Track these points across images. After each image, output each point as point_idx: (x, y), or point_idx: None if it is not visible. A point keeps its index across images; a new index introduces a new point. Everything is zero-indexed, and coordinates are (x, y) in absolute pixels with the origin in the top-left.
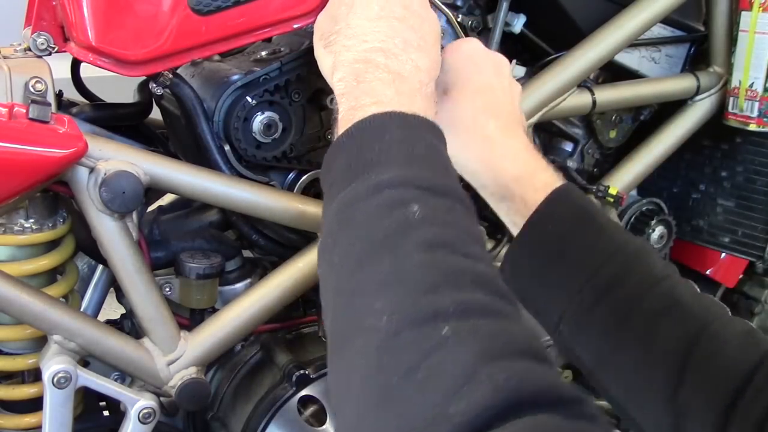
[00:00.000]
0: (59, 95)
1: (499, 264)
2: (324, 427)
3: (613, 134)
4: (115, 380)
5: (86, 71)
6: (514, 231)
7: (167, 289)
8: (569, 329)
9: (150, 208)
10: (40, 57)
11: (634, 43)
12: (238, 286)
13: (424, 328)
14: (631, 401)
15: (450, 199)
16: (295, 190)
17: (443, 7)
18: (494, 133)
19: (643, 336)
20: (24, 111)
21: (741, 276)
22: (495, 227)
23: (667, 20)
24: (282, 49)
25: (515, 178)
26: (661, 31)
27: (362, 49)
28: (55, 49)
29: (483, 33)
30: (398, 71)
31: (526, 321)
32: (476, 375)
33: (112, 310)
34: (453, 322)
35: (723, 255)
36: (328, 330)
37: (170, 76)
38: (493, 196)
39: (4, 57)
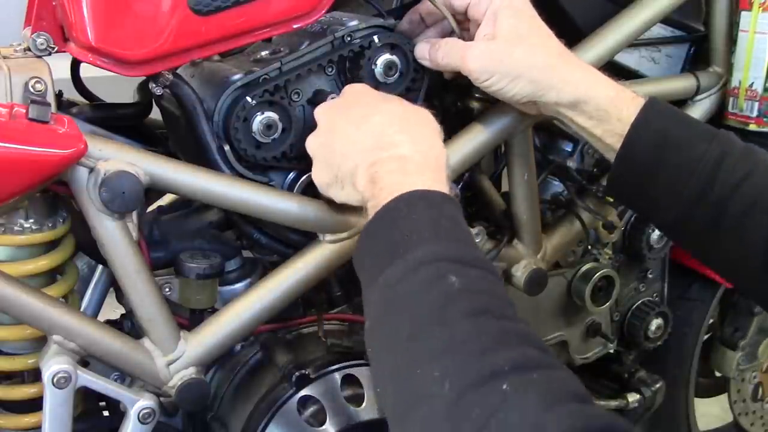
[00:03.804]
0: (59, 95)
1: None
2: (324, 427)
3: None
4: (115, 380)
5: (86, 71)
6: (607, 153)
7: (167, 289)
8: (673, 232)
9: (150, 208)
10: (39, 57)
11: (634, 43)
12: (238, 286)
13: (484, 388)
14: (730, 279)
15: (479, 269)
16: (295, 190)
17: (443, 8)
18: (579, 62)
19: (732, 235)
20: (24, 111)
21: None
22: (495, 227)
23: (667, 20)
24: (282, 49)
25: (611, 99)
26: (661, 31)
27: (365, 157)
28: (55, 49)
29: None
30: (401, 155)
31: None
32: (543, 423)
33: (112, 310)
34: (510, 378)
35: None
36: (387, 407)
37: (170, 76)
38: (591, 120)
39: (4, 57)
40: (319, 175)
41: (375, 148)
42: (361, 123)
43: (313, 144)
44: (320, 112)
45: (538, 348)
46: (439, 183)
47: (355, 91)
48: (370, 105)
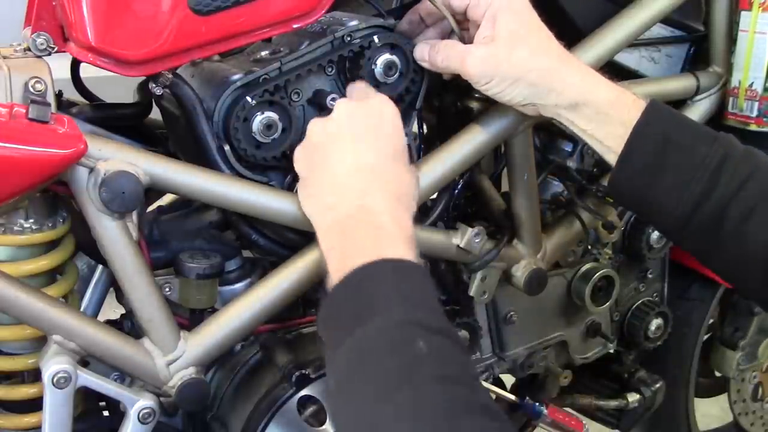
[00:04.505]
0: (59, 95)
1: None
2: (324, 427)
3: None
4: (115, 380)
5: (86, 71)
6: (607, 155)
7: (167, 289)
8: (674, 235)
9: (150, 208)
10: (39, 57)
11: (634, 43)
12: (238, 286)
13: None
14: (731, 281)
15: (445, 337)
16: (294, 190)
17: (444, 9)
18: (579, 64)
19: (733, 238)
20: (24, 111)
21: None
22: (495, 227)
23: (667, 20)
24: (282, 49)
25: (611, 102)
26: (661, 31)
27: (344, 209)
28: (55, 49)
29: None
30: (379, 224)
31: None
32: None
33: (112, 310)
34: None
35: None
36: None
37: (170, 76)
38: (592, 123)
39: (4, 57)
40: (302, 191)
41: (355, 206)
42: (346, 168)
43: (301, 160)
44: (312, 127)
45: (500, 419)
46: (410, 251)
47: (347, 113)
48: (356, 142)
